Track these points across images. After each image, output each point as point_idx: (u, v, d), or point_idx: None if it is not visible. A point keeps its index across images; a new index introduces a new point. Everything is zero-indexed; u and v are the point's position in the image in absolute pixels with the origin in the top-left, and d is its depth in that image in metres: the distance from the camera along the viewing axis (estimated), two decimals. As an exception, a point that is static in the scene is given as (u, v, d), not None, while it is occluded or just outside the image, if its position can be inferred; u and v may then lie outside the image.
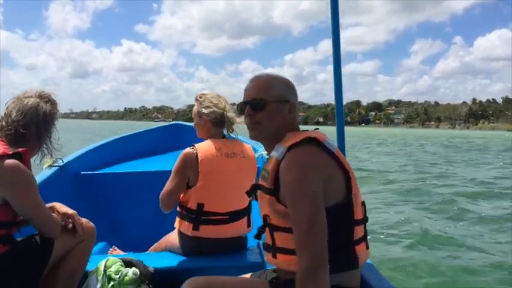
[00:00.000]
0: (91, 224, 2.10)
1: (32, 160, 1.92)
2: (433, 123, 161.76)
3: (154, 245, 2.69)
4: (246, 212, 2.47)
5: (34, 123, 1.89)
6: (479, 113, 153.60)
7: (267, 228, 1.61)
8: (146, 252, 2.67)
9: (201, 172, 2.32)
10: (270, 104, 1.61)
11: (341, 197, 1.50)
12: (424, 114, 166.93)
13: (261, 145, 1.76)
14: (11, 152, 1.76)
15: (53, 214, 1.95)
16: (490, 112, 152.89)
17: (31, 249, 1.87)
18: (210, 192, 2.34)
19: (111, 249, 2.94)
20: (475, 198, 10.07)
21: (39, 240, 1.89)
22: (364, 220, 1.61)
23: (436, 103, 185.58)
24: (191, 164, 2.32)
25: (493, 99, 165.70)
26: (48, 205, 1.96)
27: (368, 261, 1.67)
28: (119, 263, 2.10)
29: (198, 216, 2.34)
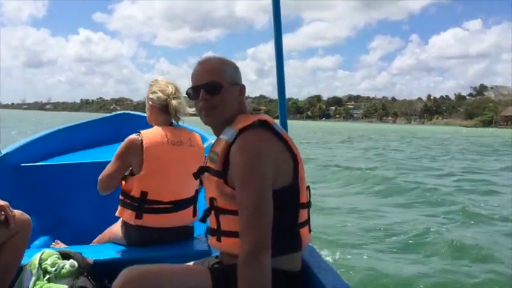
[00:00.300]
0: (26, 216, 1.99)
1: None
2: (390, 118, 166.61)
3: (98, 237, 2.60)
4: (192, 201, 2.43)
5: None
6: (433, 109, 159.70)
7: (212, 212, 1.59)
8: (89, 245, 2.58)
9: (145, 160, 2.25)
10: (225, 87, 1.59)
11: (289, 180, 1.52)
12: (382, 109, 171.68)
13: (211, 134, 1.74)
14: None
15: None
16: (444, 108, 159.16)
17: None
18: (155, 180, 2.28)
19: (53, 243, 2.83)
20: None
21: None
22: (309, 204, 1.63)
23: (393, 99, 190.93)
24: (135, 150, 2.26)
25: (446, 96, 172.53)
26: None
27: (309, 244, 1.70)
28: (56, 256, 2.00)
29: (141, 204, 2.28)
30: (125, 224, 2.35)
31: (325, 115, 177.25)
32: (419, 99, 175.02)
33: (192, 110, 2.24)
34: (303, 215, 1.58)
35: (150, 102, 2.40)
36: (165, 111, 2.38)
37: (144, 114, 2.57)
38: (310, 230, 1.65)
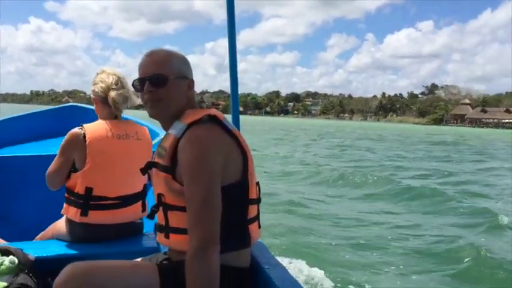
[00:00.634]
0: None
1: None
2: (347, 115, 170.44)
3: (41, 234, 2.49)
4: (140, 196, 2.36)
5: None
6: (388, 107, 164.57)
7: (160, 208, 1.56)
8: (31, 241, 2.48)
9: (88, 154, 2.17)
10: (171, 80, 1.56)
11: (238, 176, 1.52)
12: (339, 106, 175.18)
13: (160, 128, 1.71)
14: None
15: None
16: (398, 106, 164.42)
17: None
18: (99, 175, 2.21)
19: (-7, 239, 2.70)
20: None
21: None
22: (258, 200, 1.63)
23: (350, 96, 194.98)
24: (77, 145, 2.18)
25: (400, 94, 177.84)
26: None
27: (259, 240, 1.70)
28: (-6, 252, 1.92)
29: (86, 201, 2.20)
30: (70, 221, 2.26)
31: (283, 111, 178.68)
32: (375, 96, 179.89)
33: (139, 102, 2.21)
34: (252, 211, 1.57)
35: (92, 95, 2.32)
36: (106, 103, 2.27)
37: (93, 107, 2.49)
38: (259, 226, 1.65)
